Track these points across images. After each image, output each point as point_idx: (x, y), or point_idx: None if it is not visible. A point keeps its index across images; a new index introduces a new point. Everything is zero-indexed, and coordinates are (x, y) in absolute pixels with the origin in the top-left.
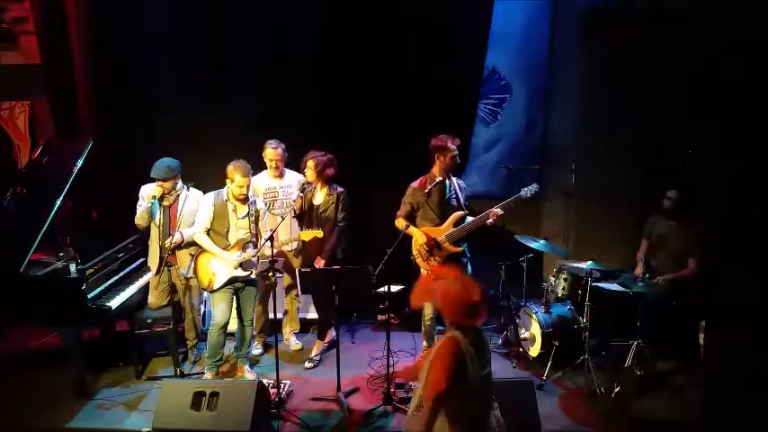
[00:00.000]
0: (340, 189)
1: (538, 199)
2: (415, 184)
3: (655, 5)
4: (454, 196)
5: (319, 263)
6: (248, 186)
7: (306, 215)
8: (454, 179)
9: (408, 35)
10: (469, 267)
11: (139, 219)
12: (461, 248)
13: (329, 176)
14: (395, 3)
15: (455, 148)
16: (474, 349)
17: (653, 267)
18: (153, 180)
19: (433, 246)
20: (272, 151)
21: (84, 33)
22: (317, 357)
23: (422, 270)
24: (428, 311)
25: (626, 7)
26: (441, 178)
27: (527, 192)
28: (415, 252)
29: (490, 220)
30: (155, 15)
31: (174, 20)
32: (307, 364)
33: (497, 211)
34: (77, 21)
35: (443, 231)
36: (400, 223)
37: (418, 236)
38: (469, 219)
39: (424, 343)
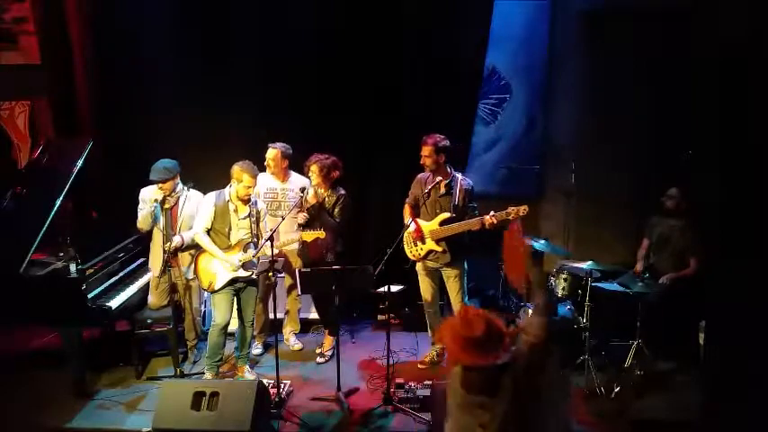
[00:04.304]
0: (342, 191)
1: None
2: (420, 176)
3: (654, 5)
4: (452, 195)
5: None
6: (254, 187)
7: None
8: (459, 178)
9: (408, 35)
10: (464, 280)
11: (141, 223)
12: (442, 248)
13: (334, 179)
14: (395, 2)
15: (428, 147)
16: (467, 390)
17: (654, 267)
18: (152, 182)
19: (417, 237)
20: (268, 151)
21: (85, 33)
22: (329, 352)
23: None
24: (427, 299)
25: (626, 7)
26: (440, 177)
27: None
28: (405, 237)
29: (477, 227)
30: (155, 15)
31: (174, 19)
32: (319, 359)
33: (490, 219)
34: (77, 21)
35: (430, 227)
36: (406, 210)
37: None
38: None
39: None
